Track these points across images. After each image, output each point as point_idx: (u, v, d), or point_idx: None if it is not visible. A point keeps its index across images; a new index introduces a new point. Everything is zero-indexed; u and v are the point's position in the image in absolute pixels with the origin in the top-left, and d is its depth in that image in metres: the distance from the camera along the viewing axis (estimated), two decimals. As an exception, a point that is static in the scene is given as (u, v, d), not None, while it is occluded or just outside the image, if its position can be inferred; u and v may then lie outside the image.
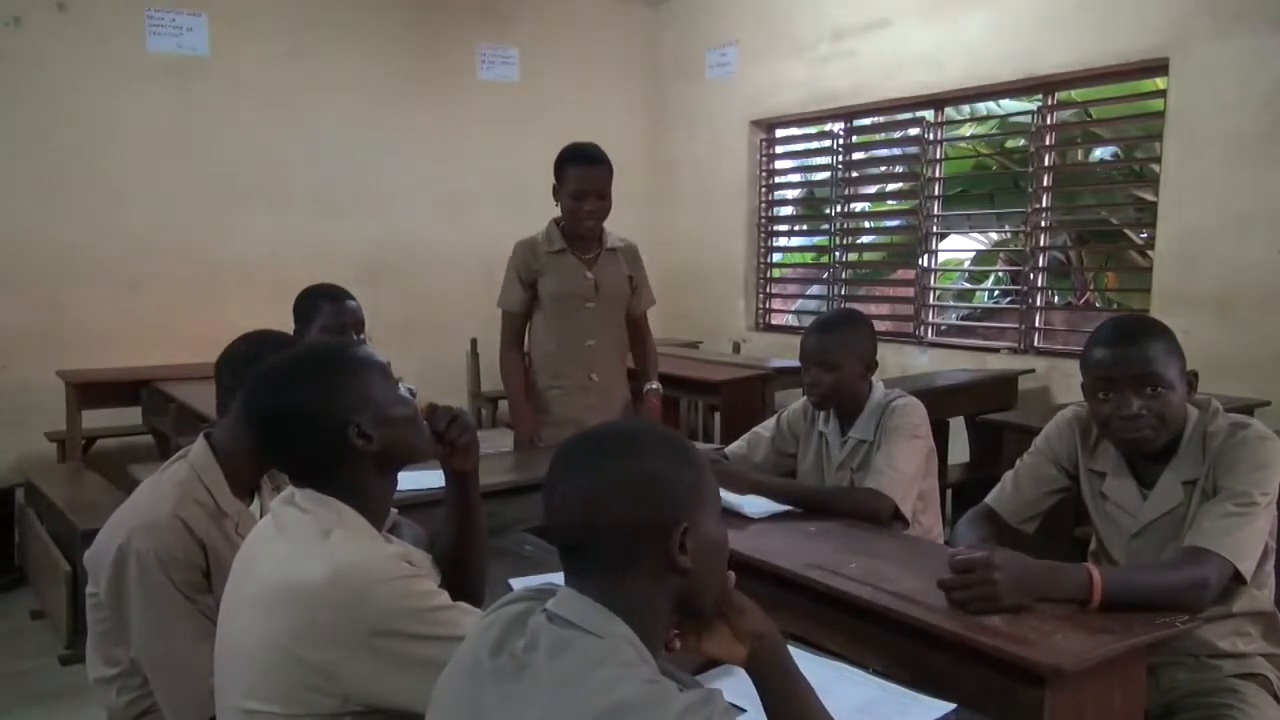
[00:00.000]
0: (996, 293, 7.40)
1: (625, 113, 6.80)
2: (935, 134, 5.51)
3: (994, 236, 7.27)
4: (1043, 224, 5.10)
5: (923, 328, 5.60)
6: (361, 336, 2.75)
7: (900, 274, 6.27)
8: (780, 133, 6.43)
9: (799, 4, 5.95)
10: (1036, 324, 5.08)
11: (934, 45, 5.20)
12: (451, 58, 6.23)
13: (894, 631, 1.70)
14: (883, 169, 6.65)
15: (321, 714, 1.25)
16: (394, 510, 1.69)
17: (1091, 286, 7.28)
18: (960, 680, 1.58)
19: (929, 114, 5.48)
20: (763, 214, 6.52)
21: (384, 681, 1.24)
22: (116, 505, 1.73)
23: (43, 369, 4.87)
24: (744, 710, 1.24)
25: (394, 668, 1.24)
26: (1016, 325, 5.22)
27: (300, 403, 1.36)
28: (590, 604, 1.05)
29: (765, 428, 2.69)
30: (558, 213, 3.23)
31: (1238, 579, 1.72)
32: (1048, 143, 5.02)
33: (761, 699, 1.19)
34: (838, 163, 6.11)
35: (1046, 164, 5.07)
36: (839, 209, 6.17)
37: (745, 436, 2.72)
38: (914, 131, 5.59)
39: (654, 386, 3.38)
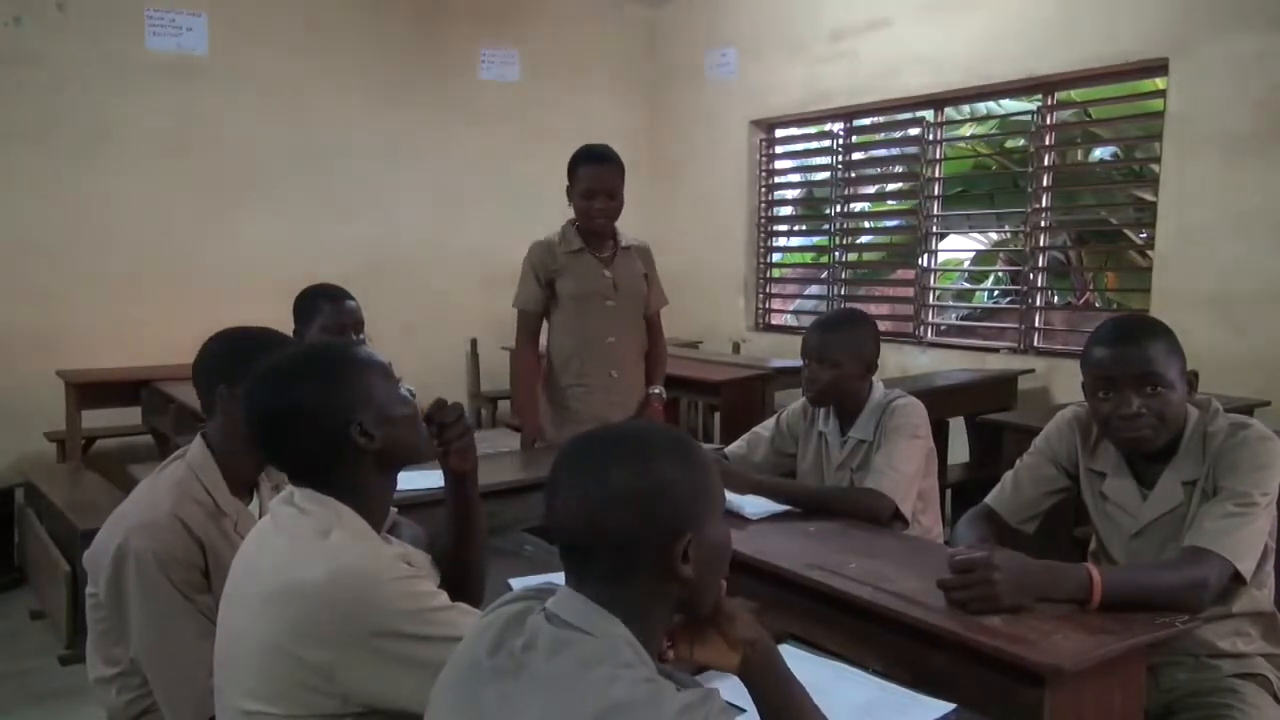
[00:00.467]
0: (996, 293, 7.40)
1: (625, 113, 6.80)
2: (935, 134, 5.51)
3: (994, 236, 7.27)
4: (1042, 224, 5.10)
5: (922, 328, 5.60)
6: (361, 336, 2.75)
7: (900, 274, 6.27)
8: (780, 133, 6.43)
9: (799, 4, 5.95)
10: (1036, 324, 5.08)
11: (934, 45, 5.20)
12: (451, 58, 6.23)
13: (894, 631, 1.69)
14: (882, 169, 6.65)
15: (321, 714, 1.24)
16: (393, 510, 1.69)
17: (1091, 286, 7.28)
18: (960, 680, 1.57)
19: (929, 114, 5.48)
20: (762, 214, 6.53)
21: (383, 682, 1.24)
22: (116, 505, 1.72)
23: (43, 369, 4.88)
24: (743, 710, 1.24)
25: (393, 668, 1.24)
26: (1016, 325, 5.22)
27: (301, 401, 1.36)
28: (589, 605, 1.05)
29: (765, 428, 2.68)
30: (569, 213, 3.27)
31: (1237, 579, 1.72)
32: (1047, 143, 5.02)
33: (756, 705, 1.18)
34: (837, 163, 6.11)
35: (1046, 164, 5.07)
36: (839, 209, 6.18)
37: (745, 436, 2.72)
38: (914, 131, 5.60)
39: (657, 391, 3.40)
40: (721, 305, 6.58)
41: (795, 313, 6.85)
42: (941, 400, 4.18)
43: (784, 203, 6.74)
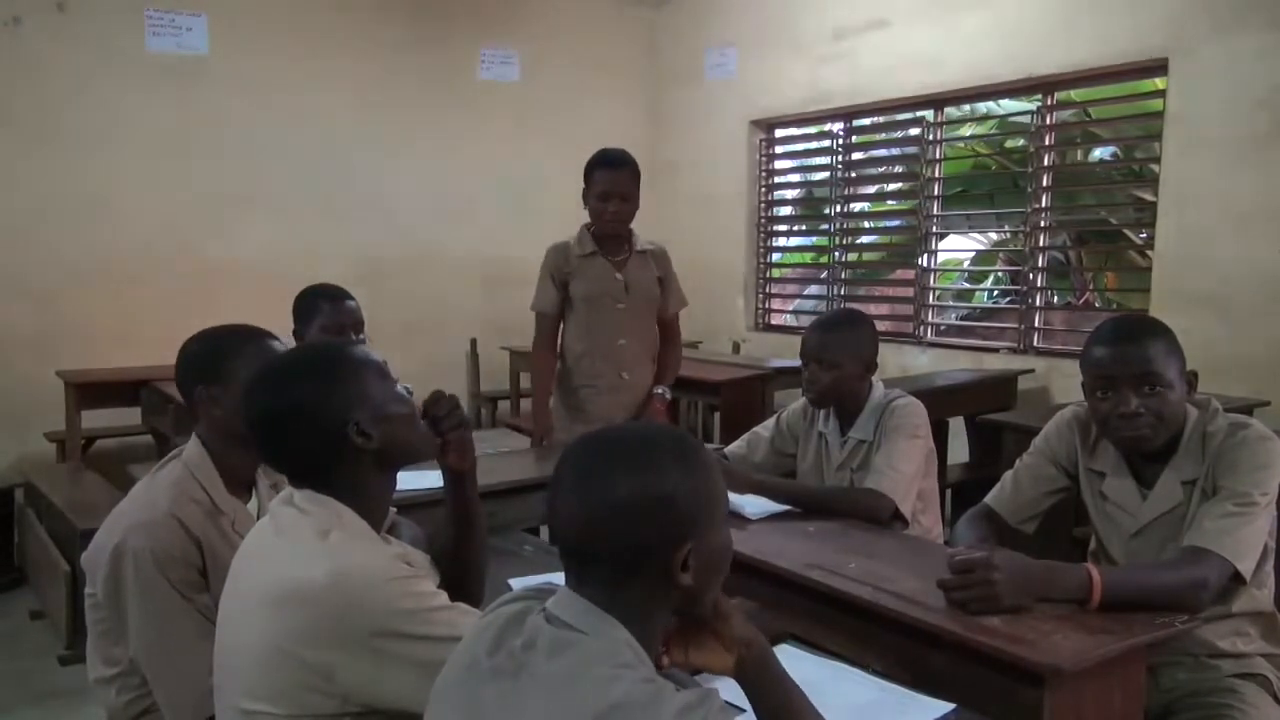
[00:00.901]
0: (996, 293, 7.40)
1: (625, 113, 6.80)
2: (935, 134, 5.51)
3: (993, 236, 7.27)
4: (1042, 224, 5.10)
5: (922, 328, 5.60)
6: (360, 336, 2.75)
7: (900, 274, 6.27)
8: (780, 133, 6.43)
9: (799, 4, 5.95)
10: (1036, 324, 5.08)
11: (933, 45, 5.20)
12: (452, 58, 6.23)
13: (894, 631, 1.69)
14: (882, 169, 6.65)
15: (321, 714, 1.24)
16: (393, 510, 1.69)
17: (1091, 286, 7.28)
18: (960, 680, 1.57)
19: (928, 114, 5.48)
20: (762, 214, 6.52)
21: (383, 682, 1.24)
22: (116, 505, 1.72)
23: (42, 369, 4.87)
24: (741, 710, 1.24)
25: (393, 668, 1.24)
26: (1016, 325, 5.22)
27: (299, 401, 1.36)
28: (589, 606, 1.05)
29: (765, 428, 2.69)
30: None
31: (1237, 579, 1.72)
32: (1047, 143, 5.03)
33: (752, 706, 1.18)
34: (837, 163, 6.11)
35: (1046, 164, 5.07)
36: (838, 209, 6.18)
37: (745, 436, 2.72)
38: (913, 131, 5.60)
39: (661, 391, 3.42)
40: (721, 305, 6.57)
41: (795, 313, 6.85)
42: (941, 400, 4.18)
43: (784, 203, 6.74)
